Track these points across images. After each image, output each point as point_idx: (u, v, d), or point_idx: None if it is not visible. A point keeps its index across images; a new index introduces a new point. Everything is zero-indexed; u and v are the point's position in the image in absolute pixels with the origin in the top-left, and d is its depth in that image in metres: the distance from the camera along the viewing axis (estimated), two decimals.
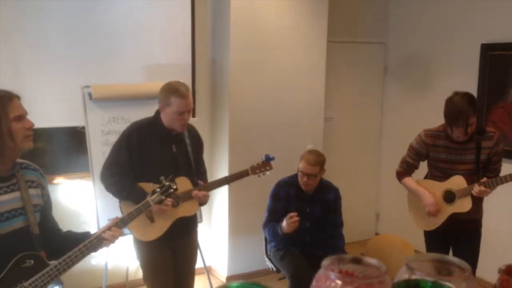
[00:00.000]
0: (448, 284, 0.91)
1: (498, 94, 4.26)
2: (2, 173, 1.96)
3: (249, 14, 4.28)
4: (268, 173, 3.18)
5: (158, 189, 2.51)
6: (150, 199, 2.46)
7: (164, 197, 2.52)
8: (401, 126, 5.23)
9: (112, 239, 2.17)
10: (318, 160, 3.36)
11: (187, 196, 2.88)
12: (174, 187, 2.56)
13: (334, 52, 5.00)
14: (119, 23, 3.98)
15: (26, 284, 1.91)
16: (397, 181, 3.40)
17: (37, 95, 3.65)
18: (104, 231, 2.17)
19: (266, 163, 3.16)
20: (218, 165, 4.51)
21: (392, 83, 5.42)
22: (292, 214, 3.20)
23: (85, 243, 2.07)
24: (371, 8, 5.32)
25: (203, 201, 3.00)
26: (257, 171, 3.14)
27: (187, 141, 3.00)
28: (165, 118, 2.88)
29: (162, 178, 2.59)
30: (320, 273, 1.00)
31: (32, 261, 1.95)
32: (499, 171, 3.15)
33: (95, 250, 2.12)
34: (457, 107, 2.93)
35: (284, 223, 3.22)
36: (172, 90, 2.82)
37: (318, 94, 4.73)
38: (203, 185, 2.97)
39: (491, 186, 2.96)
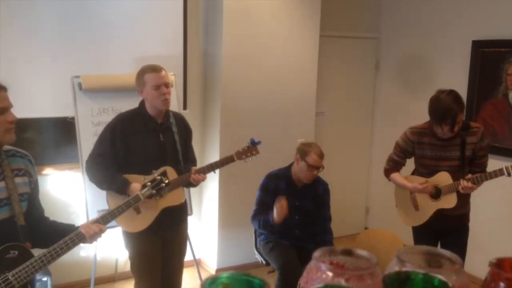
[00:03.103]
0: (438, 276, 0.91)
1: (488, 91, 4.29)
2: None
3: (241, 7, 4.26)
4: (254, 157, 3.15)
5: (149, 183, 2.47)
6: (140, 193, 2.43)
7: (154, 191, 2.48)
8: (392, 121, 5.25)
9: (92, 233, 2.10)
10: (322, 150, 3.39)
11: (173, 186, 2.86)
12: (166, 181, 2.52)
13: (327, 47, 4.99)
14: (111, 14, 3.94)
15: (9, 274, 1.88)
16: None
17: (27, 84, 3.61)
18: (85, 227, 2.12)
19: (252, 147, 3.13)
20: (209, 158, 4.49)
21: (384, 78, 5.44)
22: (280, 197, 3.21)
23: (70, 236, 2.03)
24: (364, 3, 5.32)
25: (197, 184, 3.00)
26: (243, 156, 3.11)
27: (174, 129, 2.99)
28: (147, 102, 2.89)
29: (154, 171, 2.56)
30: (311, 264, 0.99)
31: (16, 252, 1.92)
32: (485, 166, 3.17)
33: (82, 242, 2.09)
34: (445, 105, 2.93)
35: (274, 211, 3.23)
36: (144, 69, 2.89)
37: (310, 89, 4.73)
38: (197, 169, 2.97)
39: (477, 182, 2.98)
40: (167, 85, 2.87)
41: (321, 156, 3.35)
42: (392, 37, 5.28)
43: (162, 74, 2.86)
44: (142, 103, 2.94)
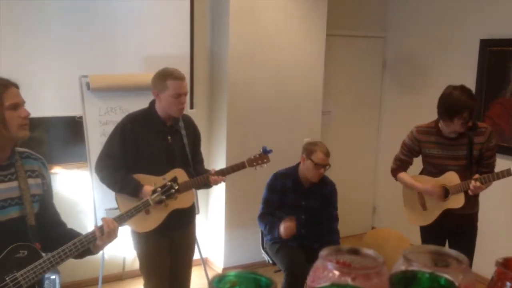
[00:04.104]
0: (445, 275, 0.91)
1: (496, 90, 4.27)
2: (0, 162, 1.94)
3: (248, 6, 4.26)
4: (265, 165, 3.17)
5: (159, 189, 2.49)
6: (150, 198, 2.45)
7: (164, 197, 2.50)
8: (398, 120, 5.24)
9: (109, 232, 2.10)
10: (328, 148, 3.38)
11: (183, 188, 2.87)
12: (176, 187, 2.53)
13: (333, 46, 4.99)
14: (118, 13, 3.96)
15: (18, 274, 1.89)
16: None
17: (35, 84, 3.64)
18: (106, 220, 2.13)
19: (263, 155, 3.15)
20: (216, 157, 4.51)
21: (390, 77, 5.42)
22: (291, 224, 3.18)
23: (80, 238, 2.04)
24: (370, 2, 5.31)
25: (214, 185, 3.04)
26: (254, 163, 3.13)
27: (183, 132, 2.99)
28: (161, 105, 2.86)
29: (165, 177, 2.58)
30: (318, 263, 1.00)
31: (26, 252, 1.93)
32: (493, 166, 3.16)
33: (89, 245, 2.08)
34: (461, 101, 2.91)
35: (281, 229, 3.20)
36: (167, 74, 2.82)
37: (317, 88, 4.73)
38: (217, 170, 3.00)
39: (485, 182, 2.97)
40: (186, 94, 2.87)
41: (327, 154, 3.34)
42: (399, 35, 5.27)
43: (184, 84, 2.85)
44: (152, 104, 2.92)
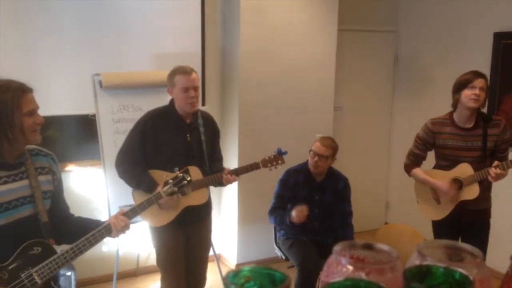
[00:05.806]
0: (460, 270, 0.91)
1: (510, 83, 4.22)
2: (9, 161, 1.96)
3: (259, 2, 4.26)
4: (279, 166, 3.19)
5: (171, 181, 2.49)
6: (162, 190, 2.45)
7: (176, 189, 2.50)
8: (411, 115, 5.20)
9: (119, 228, 2.14)
10: (332, 144, 3.40)
11: (197, 186, 2.89)
12: (188, 178, 2.53)
13: (345, 41, 4.97)
14: (130, 12, 3.98)
15: (33, 271, 1.92)
16: None
17: (48, 83, 3.68)
18: (114, 219, 2.17)
19: (278, 157, 3.16)
20: (228, 154, 4.52)
21: (402, 72, 5.38)
22: (303, 207, 3.20)
23: (93, 233, 2.07)
24: None
25: (227, 184, 3.06)
26: (269, 164, 3.14)
27: (201, 129, 3.01)
28: (176, 102, 2.91)
29: (176, 169, 2.58)
30: (332, 258, 1.00)
31: (40, 248, 1.96)
32: (507, 159, 3.14)
33: (103, 239, 2.12)
34: (465, 75, 3.04)
35: (293, 213, 3.23)
36: (175, 70, 2.90)
37: (328, 83, 4.72)
38: (231, 170, 3.02)
39: (505, 168, 2.95)
40: (196, 88, 2.88)
41: (325, 145, 3.36)
42: (411, 30, 5.23)
43: (191, 77, 2.87)
44: (172, 101, 2.96)
